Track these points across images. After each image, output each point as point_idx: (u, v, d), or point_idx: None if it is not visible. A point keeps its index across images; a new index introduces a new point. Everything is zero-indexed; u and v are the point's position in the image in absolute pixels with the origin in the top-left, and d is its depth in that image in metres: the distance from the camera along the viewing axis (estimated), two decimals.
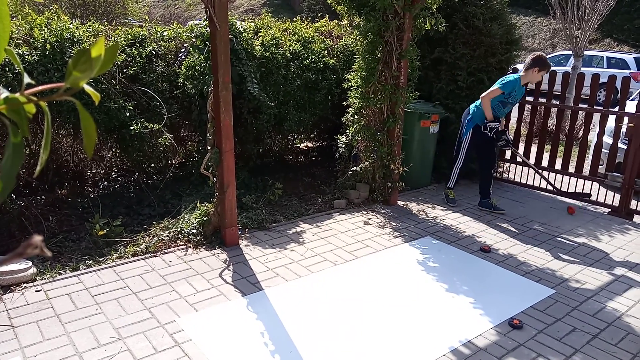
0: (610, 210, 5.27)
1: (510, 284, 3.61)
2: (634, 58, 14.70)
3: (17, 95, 0.59)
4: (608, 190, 5.62)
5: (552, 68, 5.30)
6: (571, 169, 5.70)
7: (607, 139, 5.67)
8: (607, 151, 5.45)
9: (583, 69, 12.15)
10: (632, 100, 6.89)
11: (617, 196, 5.31)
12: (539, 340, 2.92)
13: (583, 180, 5.56)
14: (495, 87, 4.80)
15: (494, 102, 4.82)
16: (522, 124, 6.26)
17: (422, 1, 4.63)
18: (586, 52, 16.37)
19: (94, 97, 0.67)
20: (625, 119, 5.34)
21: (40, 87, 0.64)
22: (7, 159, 0.58)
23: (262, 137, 5.73)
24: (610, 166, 5.34)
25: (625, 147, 5.29)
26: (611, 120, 5.66)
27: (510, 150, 5.18)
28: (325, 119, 6.12)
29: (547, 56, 16.59)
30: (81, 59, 0.59)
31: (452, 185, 5.28)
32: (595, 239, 4.54)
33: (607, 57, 15.12)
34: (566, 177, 5.74)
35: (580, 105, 5.52)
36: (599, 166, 5.50)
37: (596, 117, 5.52)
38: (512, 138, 5.82)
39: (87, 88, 0.64)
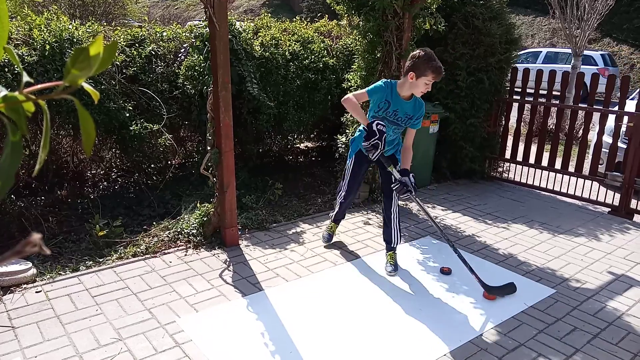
0: (610, 209, 5.26)
1: None
2: (601, 55, 15.79)
3: (16, 93, 0.59)
4: (608, 190, 5.61)
5: (554, 67, 5.23)
6: (571, 169, 5.70)
7: (607, 138, 5.67)
8: (607, 150, 5.45)
9: (552, 66, 12.56)
10: (632, 99, 6.89)
11: (617, 196, 5.31)
12: (540, 340, 2.92)
13: (583, 179, 5.56)
14: (362, 90, 3.48)
15: (370, 114, 3.49)
16: (522, 123, 6.25)
17: (422, 1, 4.63)
18: (554, 50, 17.25)
19: (93, 95, 0.67)
20: (625, 118, 5.34)
21: (39, 86, 0.64)
22: (6, 158, 0.57)
23: (261, 137, 5.72)
24: (610, 165, 5.34)
25: (625, 146, 5.29)
26: (611, 120, 5.66)
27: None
28: (325, 119, 6.11)
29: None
30: (79, 57, 0.59)
31: (335, 219, 4.16)
32: (595, 238, 4.54)
33: None
34: (566, 177, 5.74)
35: (579, 105, 5.52)
36: (599, 165, 5.50)
37: (596, 116, 5.52)
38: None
39: (86, 86, 0.64)
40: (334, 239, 4.23)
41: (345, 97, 3.36)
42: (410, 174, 3.43)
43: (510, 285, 3.46)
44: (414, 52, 3.34)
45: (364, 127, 3.37)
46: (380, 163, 3.52)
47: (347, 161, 3.83)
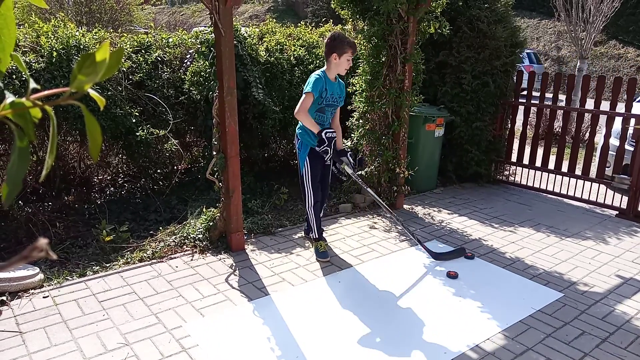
0: (617, 212, 5.23)
1: (518, 287, 3.58)
2: (527, 53, 17.31)
3: (23, 99, 0.60)
4: (615, 193, 5.57)
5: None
6: (578, 172, 5.66)
7: (614, 141, 5.63)
8: (614, 153, 5.42)
9: None
10: (639, 102, 6.85)
11: (625, 198, 5.28)
12: (548, 344, 2.90)
13: (590, 182, 5.52)
14: (304, 95, 3.60)
15: (312, 112, 3.67)
16: (528, 126, 6.23)
17: (426, 5, 4.63)
18: None
19: (98, 101, 0.68)
20: (632, 121, 5.31)
21: (46, 92, 0.64)
22: (13, 163, 0.58)
23: (267, 142, 5.73)
24: (617, 168, 5.30)
25: (632, 148, 5.25)
26: (618, 122, 5.63)
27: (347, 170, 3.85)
28: None
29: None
30: (86, 63, 0.59)
31: (318, 235, 3.98)
32: (603, 241, 4.51)
33: None
34: (573, 180, 5.71)
35: (586, 108, 5.49)
36: (606, 168, 5.46)
37: (602, 119, 5.50)
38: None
39: (92, 92, 0.64)
40: (334, 246, 4.23)
41: (296, 111, 3.60)
42: (348, 153, 3.88)
43: (458, 250, 4.06)
44: (327, 39, 3.68)
45: (315, 134, 3.69)
46: (334, 162, 3.86)
47: (301, 167, 3.84)
